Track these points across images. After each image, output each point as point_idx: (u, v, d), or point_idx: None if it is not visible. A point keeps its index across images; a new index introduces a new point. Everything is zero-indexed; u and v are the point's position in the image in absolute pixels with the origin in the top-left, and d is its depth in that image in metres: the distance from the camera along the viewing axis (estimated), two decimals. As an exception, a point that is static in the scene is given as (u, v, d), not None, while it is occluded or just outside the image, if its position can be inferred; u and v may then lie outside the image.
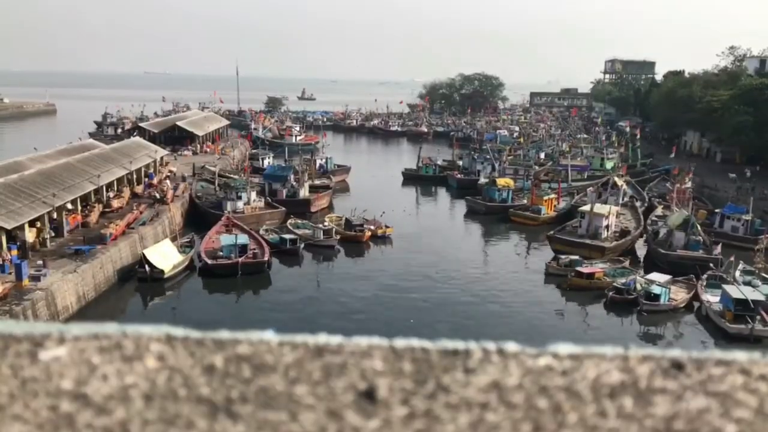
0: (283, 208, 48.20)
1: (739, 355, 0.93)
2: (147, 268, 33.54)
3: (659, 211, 51.03)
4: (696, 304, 33.42)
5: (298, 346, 0.93)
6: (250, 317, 29.96)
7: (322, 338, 0.95)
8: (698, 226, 41.54)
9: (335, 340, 0.95)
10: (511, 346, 0.94)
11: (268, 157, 69.69)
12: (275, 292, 34.22)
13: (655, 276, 34.78)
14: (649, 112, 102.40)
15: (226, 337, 0.95)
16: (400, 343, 0.95)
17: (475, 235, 49.18)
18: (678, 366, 0.91)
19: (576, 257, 38.10)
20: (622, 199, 50.70)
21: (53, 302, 27.93)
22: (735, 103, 66.16)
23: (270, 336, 0.95)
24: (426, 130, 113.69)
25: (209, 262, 35.70)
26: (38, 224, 34.09)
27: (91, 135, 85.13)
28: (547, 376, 0.88)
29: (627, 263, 38.92)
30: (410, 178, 67.83)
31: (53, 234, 34.84)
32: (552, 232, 43.47)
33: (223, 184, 50.28)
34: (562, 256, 37.99)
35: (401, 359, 0.91)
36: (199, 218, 46.09)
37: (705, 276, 34.88)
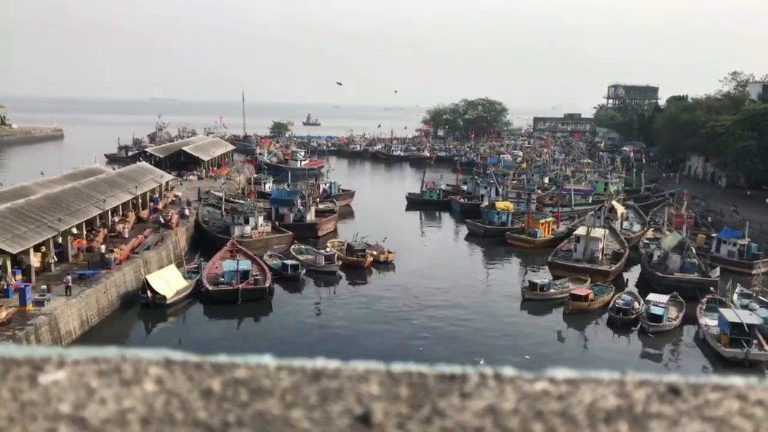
0: (291, 233, 48.20)
1: (736, 380, 0.93)
2: (149, 293, 33.51)
3: (650, 233, 51.04)
4: (690, 323, 33.59)
5: (296, 371, 0.93)
6: (249, 344, 29.94)
7: (319, 362, 0.95)
8: (693, 249, 41.57)
9: (332, 364, 0.95)
10: (508, 371, 0.94)
11: (269, 182, 70.03)
12: (276, 319, 34.05)
13: (653, 296, 34.96)
14: (653, 136, 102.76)
15: (225, 361, 0.95)
16: (397, 367, 0.95)
17: (473, 259, 49.23)
18: (675, 391, 0.91)
19: (547, 280, 38.15)
20: (603, 221, 50.32)
21: (56, 327, 27.94)
22: (739, 128, 66.37)
23: (268, 360, 0.95)
24: (428, 154, 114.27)
25: (210, 288, 35.58)
26: (43, 248, 34.20)
27: (108, 157, 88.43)
28: (543, 400, 0.88)
29: (589, 281, 38.97)
30: (414, 202, 68.03)
31: (56, 259, 34.89)
32: (551, 258, 43.28)
33: (230, 209, 50.35)
34: (537, 280, 37.79)
35: (398, 384, 0.91)
36: (206, 243, 46.10)
37: (704, 299, 34.89)
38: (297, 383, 0.90)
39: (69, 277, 31.00)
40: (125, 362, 0.92)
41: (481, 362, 28.19)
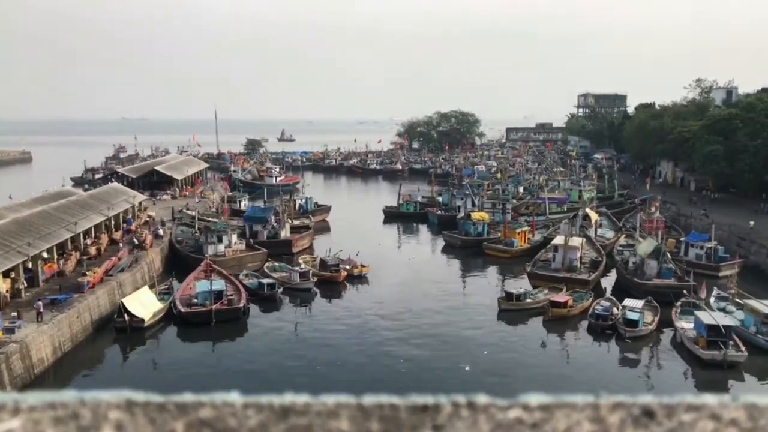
0: (265, 250, 47.77)
1: (710, 399, 0.93)
2: (126, 317, 32.82)
3: (622, 240, 51.67)
4: (666, 327, 34.03)
5: (263, 408, 0.89)
6: (224, 368, 29.49)
7: (288, 398, 0.92)
8: (668, 254, 42.16)
9: (301, 399, 0.92)
10: (482, 399, 0.92)
11: (245, 199, 69.63)
12: (251, 340, 33.43)
13: (629, 302, 35.40)
14: (624, 143, 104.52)
15: (189, 400, 0.91)
16: (368, 400, 0.92)
17: (451, 270, 49.21)
18: (649, 413, 0.90)
19: (522, 290, 38.26)
20: (578, 229, 50.71)
21: (28, 355, 27.21)
22: (705, 133, 67.82)
23: (234, 397, 0.92)
24: (400, 167, 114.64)
25: (183, 309, 34.94)
26: (12, 274, 33.40)
27: (74, 180, 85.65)
28: (517, 429, 0.87)
29: (564, 289, 39.19)
30: (391, 215, 68.14)
31: (26, 285, 34.08)
32: (530, 269, 43.33)
33: (203, 228, 49.78)
34: (513, 291, 37.93)
35: (369, 418, 0.89)
36: (179, 263, 45.47)
37: (679, 303, 35.31)
38: (265, 422, 0.87)
39: (40, 303, 30.31)
40: (83, 407, 0.88)
41: (467, 368, 28.24)
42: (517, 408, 0.90)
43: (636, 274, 40.86)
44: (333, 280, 42.14)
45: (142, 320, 32.99)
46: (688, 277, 39.50)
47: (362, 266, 44.00)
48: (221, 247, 45.98)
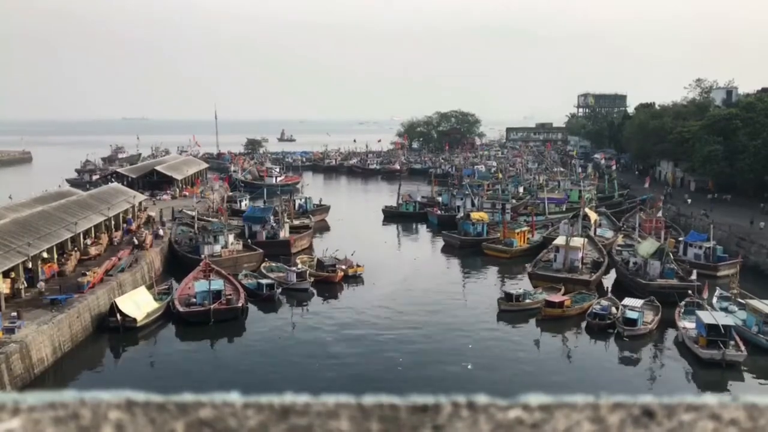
0: (261, 251, 47.67)
1: (710, 399, 0.92)
2: (118, 317, 32.79)
3: (620, 240, 51.60)
4: (668, 327, 34.03)
5: (264, 408, 0.89)
6: (222, 368, 29.40)
7: (288, 398, 0.92)
8: (671, 254, 42.14)
9: (301, 399, 0.92)
10: (481, 399, 0.92)
11: (245, 199, 69.64)
12: (249, 340, 33.38)
13: (628, 301, 35.41)
14: (623, 143, 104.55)
15: (189, 400, 0.90)
16: (368, 400, 0.91)
17: (450, 270, 49.09)
18: (649, 413, 0.90)
19: (522, 290, 38.16)
20: (580, 229, 50.54)
21: (28, 355, 27.20)
22: (705, 134, 67.91)
23: (234, 397, 0.92)
24: (398, 167, 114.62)
25: (181, 309, 34.93)
26: (12, 274, 33.40)
27: (69, 182, 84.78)
28: (517, 429, 0.87)
29: (563, 290, 39.09)
30: (391, 215, 68.11)
31: (26, 285, 34.07)
32: (531, 269, 43.23)
33: (201, 228, 49.73)
34: (513, 291, 37.88)
35: (369, 418, 0.88)
36: (179, 263, 45.46)
37: (682, 303, 35.26)
38: (265, 422, 0.87)
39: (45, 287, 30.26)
40: (84, 407, 0.87)
41: (469, 366, 28.24)
42: (517, 408, 0.90)
43: (638, 274, 40.83)
44: (330, 281, 42.14)
45: (135, 320, 32.94)
46: (691, 276, 39.44)
47: (357, 266, 44.00)
48: (218, 248, 45.92)
